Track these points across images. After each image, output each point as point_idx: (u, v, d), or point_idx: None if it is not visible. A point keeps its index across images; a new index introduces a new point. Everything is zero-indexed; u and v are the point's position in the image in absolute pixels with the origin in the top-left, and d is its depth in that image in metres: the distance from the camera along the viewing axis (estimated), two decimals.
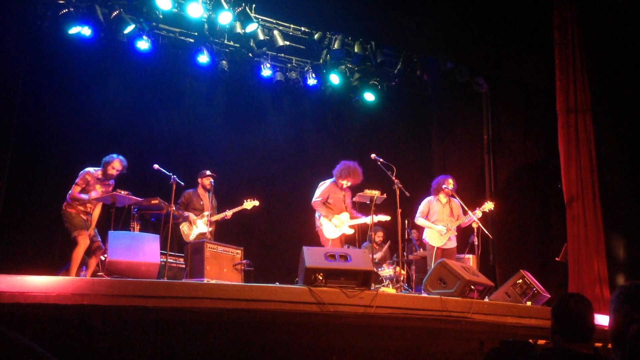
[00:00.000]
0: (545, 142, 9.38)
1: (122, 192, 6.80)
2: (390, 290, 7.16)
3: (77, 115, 8.45)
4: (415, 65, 10.18)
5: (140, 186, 7.55)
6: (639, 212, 8.49)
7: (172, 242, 7.22)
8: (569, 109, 8.33)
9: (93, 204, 6.83)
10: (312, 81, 9.92)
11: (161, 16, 8.70)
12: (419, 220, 7.82)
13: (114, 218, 7.09)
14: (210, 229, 7.72)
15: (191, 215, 7.83)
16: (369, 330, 5.29)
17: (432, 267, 6.87)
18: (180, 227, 7.81)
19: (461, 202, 7.68)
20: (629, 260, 8.50)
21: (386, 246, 9.41)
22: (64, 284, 4.44)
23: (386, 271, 8.44)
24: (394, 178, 7.14)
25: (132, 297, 4.57)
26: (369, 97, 10.42)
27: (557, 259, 8.46)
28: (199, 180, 8.03)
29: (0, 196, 6.44)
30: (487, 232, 7.72)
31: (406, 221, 8.51)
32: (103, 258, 6.69)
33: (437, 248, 7.65)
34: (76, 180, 6.74)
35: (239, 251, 7.23)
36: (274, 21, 9.13)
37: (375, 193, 7.23)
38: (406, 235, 8.86)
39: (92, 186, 6.78)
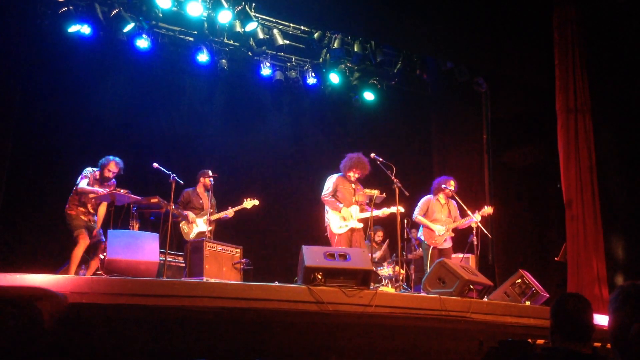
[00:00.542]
0: (544, 142, 9.38)
1: (122, 191, 6.81)
2: (390, 289, 7.16)
3: (77, 113, 8.45)
4: (415, 64, 10.18)
5: (140, 185, 7.55)
6: (638, 212, 8.49)
7: (172, 240, 7.22)
8: (569, 109, 8.34)
9: (95, 203, 6.84)
10: (311, 80, 9.92)
11: (161, 15, 8.69)
12: (418, 217, 7.81)
13: (114, 217, 7.08)
14: (209, 227, 7.72)
15: (190, 214, 7.84)
16: (368, 330, 5.29)
17: (431, 266, 6.88)
18: (180, 225, 7.81)
19: (461, 204, 7.67)
20: (628, 260, 8.50)
21: (385, 245, 9.42)
22: (63, 283, 4.43)
23: (385, 270, 8.45)
24: (393, 177, 7.14)
25: (132, 296, 4.57)
26: (369, 96, 10.42)
27: (556, 258, 8.47)
28: (201, 179, 8.03)
29: None
30: (486, 231, 7.73)
31: (405, 220, 8.52)
32: (102, 257, 6.69)
33: (434, 247, 7.65)
34: (82, 175, 6.76)
35: (238, 250, 7.24)
36: (274, 20, 9.13)
37: (375, 192, 7.23)
38: (405, 235, 8.86)
39: (92, 186, 6.80)
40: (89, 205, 6.80)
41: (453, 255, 7.89)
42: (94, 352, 4.26)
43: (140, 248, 6.46)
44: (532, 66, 9.39)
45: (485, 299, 6.42)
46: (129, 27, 8.37)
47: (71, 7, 8.08)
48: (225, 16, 8.42)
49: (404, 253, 8.78)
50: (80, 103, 8.50)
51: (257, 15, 8.77)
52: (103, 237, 6.81)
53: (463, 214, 7.76)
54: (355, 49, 9.45)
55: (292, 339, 4.98)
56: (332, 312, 5.10)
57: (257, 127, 10.07)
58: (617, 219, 8.60)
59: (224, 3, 8.26)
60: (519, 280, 6.84)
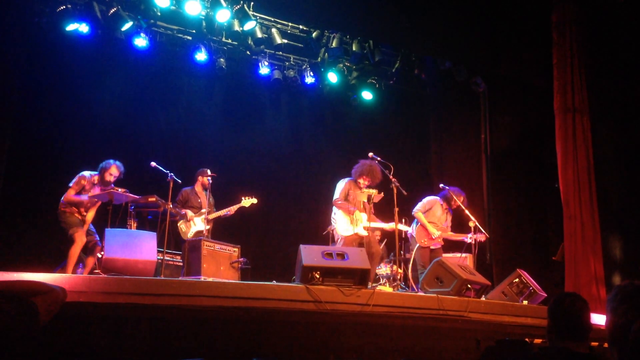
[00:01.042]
0: (542, 142, 9.39)
1: (119, 190, 6.80)
2: (387, 288, 7.16)
3: (74, 112, 8.44)
4: (413, 64, 10.17)
5: (138, 184, 7.53)
6: (636, 212, 8.50)
7: (170, 239, 7.21)
8: (567, 109, 8.35)
9: (86, 207, 6.83)
10: (310, 79, 9.91)
11: (159, 13, 8.67)
12: (418, 214, 7.80)
13: (111, 215, 7.07)
14: (207, 226, 7.72)
15: (189, 213, 7.83)
16: (365, 329, 5.29)
17: (425, 266, 6.92)
18: (178, 224, 7.80)
19: (470, 215, 7.64)
20: (625, 259, 8.52)
21: (382, 244, 9.42)
22: (61, 281, 4.43)
23: (383, 270, 8.44)
24: (391, 177, 7.14)
25: (129, 295, 4.58)
26: (367, 95, 10.41)
27: (553, 258, 8.49)
28: (199, 178, 8.02)
29: None
30: (483, 231, 7.74)
31: (403, 220, 8.52)
32: (100, 255, 6.68)
33: (426, 247, 7.67)
34: (70, 184, 6.75)
35: (236, 249, 7.24)
36: (272, 19, 9.11)
37: (373, 192, 7.22)
38: (403, 234, 8.86)
39: (87, 191, 6.79)
40: (82, 209, 6.82)
41: (449, 255, 7.91)
42: (91, 351, 4.25)
43: (138, 247, 6.44)
44: (530, 66, 9.40)
45: (483, 299, 6.43)
46: (127, 26, 8.35)
47: (69, 6, 8.06)
48: (223, 15, 8.41)
49: (402, 252, 8.78)
50: (78, 102, 8.48)
51: (255, 14, 8.76)
52: (97, 236, 6.80)
53: (461, 230, 7.84)
54: (354, 48, 9.44)
55: (290, 338, 4.98)
56: (330, 311, 5.10)
57: (255, 126, 10.06)
58: (615, 219, 8.61)
59: (223, 2, 8.26)
60: (517, 280, 6.85)
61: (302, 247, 5.51)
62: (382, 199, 7.38)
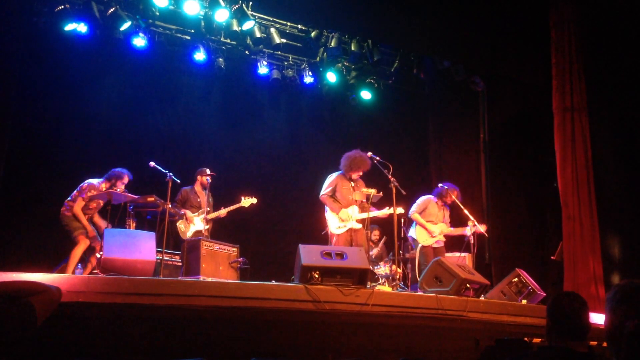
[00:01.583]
0: (541, 141, 9.40)
1: (118, 190, 6.80)
2: (386, 288, 7.16)
3: (73, 112, 8.43)
4: (412, 63, 10.18)
5: (137, 183, 7.53)
6: (635, 211, 8.51)
7: (168, 239, 7.21)
8: (565, 108, 8.35)
9: (93, 210, 6.86)
10: (308, 79, 9.90)
11: (157, 13, 8.67)
12: (414, 215, 7.80)
13: (110, 215, 7.07)
14: (207, 226, 7.72)
15: (188, 213, 7.83)
16: (364, 329, 5.29)
17: (427, 264, 6.89)
18: (177, 224, 7.80)
19: (466, 212, 7.64)
20: (624, 259, 8.52)
21: (382, 244, 9.42)
22: (60, 281, 4.43)
23: (382, 269, 8.44)
24: (390, 176, 7.13)
25: (128, 295, 4.57)
26: (366, 95, 10.41)
27: (552, 257, 8.49)
28: (198, 177, 8.02)
29: None
30: (482, 230, 7.74)
31: (402, 219, 8.52)
32: (99, 255, 6.68)
33: (428, 246, 7.67)
34: (82, 195, 6.73)
35: (235, 249, 7.24)
36: (271, 19, 9.11)
37: (372, 191, 7.22)
38: (402, 234, 8.86)
39: (96, 200, 6.82)
40: (88, 212, 6.85)
41: (449, 255, 7.90)
42: (90, 351, 4.25)
43: (137, 247, 6.44)
44: (529, 65, 9.41)
45: (482, 298, 6.43)
46: (125, 26, 8.34)
47: (68, 6, 8.05)
48: (222, 15, 8.41)
49: (401, 252, 8.78)
50: (77, 102, 8.47)
51: (254, 14, 8.75)
52: (99, 237, 6.81)
53: (460, 224, 7.82)
54: (353, 48, 9.44)
55: (289, 338, 4.98)
56: (329, 311, 5.10)
57: (254, 126, 10.05)
58: (614, 218, 8.61)
59: (221, 2, 8.25)
60: (516, 279, 6.85)
61: (301, 246, 5.51)
62: (381, 198, 7.39)
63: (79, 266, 6.73)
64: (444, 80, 10.32)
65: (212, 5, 8.38)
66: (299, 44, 9.72)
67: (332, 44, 9.35)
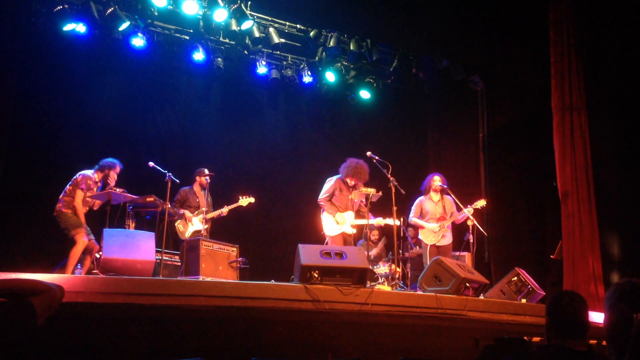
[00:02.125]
0: (540, 140, 9.40)
1: (117, 190, 6.79)
2: (386, 287, 7.16)
3: (72, 112, 8.43)
4: (411, 63, 10.19)
5: (136, 184, 7.53)
6: (634, 210, 8.50)
7: (168, 239, 7.22)
8: (564, 107, 8.35)
9: (88, 205, 6.83)
10: (307, 79, 9.91)
11: (156, 13, 8.68)
12: (413, 220, 7.86)
13: (109, 216, 7.07)
14: (205, 226, 7.72)
15: (187, 213, 7.83)
16: (364, 328, 5.29)
17: (428, 264, 6.88)
18: (176, 224, 7.80)
19: (455, 199, 7.68)
20: (623, 257, 8.53)
21: (381, 243, 9.43)
22: (59, 282, 4.41)
23: (382, 269, 8.45)
24: (389, 176, 7.13)
25: (127, 295, 4.57)
26: (365, 94, 10.41)
27: (552, 256, 8.48)
28: (197, 177, 8.02)
29: None
30: (482, 229, 7.74)
31: (402, 219, 8.52)
32: (98, 256, 6.67)
33: (432, 245, 7.67)
34: (81, 187, 6.69)
35: (235, 249, 7.24)
36: (270, 18, 9.11)
37: (371, 191, 7.22)
38: (402, 233, 8.86)
39: (93, 191, 6.79)
40: (85, 207, 6.83)
41: (453, 253, 7.91)
42: (89, 351, 4.25)
43: (136, 247, 6.44)
44: (527, 64, 9.41)
45: (481, 297, 6.43)
46: (124, 26, 8.33)
47: (66, 6, 8.05)
48: (221, 14, 8.41)
49: (400, 251, 8.79)
50: (76, 102, 8.47)
51: (252, 13, 8.75)
52: (92, 235, 6.79)
53: (458, 208, 7.78)
54: (351, 48, 9.44)
55: (288, 338, 4.98)
56: (328, 311, 5.10)
57: (253, 126, 10.06)
58: (613, 217, 8.62)
59: (220, 1, 8.25)
60: (515, 278, 6.85)
61: (300, 246, 5.51)
62: (380, 197, 7.39)
63: (79, 266, 6.72)
64: (443, 79, 10.32)
65: (211, 5, 8.38)
66: (297, 44, 9.73)
67: (331, 44, 9.36)
